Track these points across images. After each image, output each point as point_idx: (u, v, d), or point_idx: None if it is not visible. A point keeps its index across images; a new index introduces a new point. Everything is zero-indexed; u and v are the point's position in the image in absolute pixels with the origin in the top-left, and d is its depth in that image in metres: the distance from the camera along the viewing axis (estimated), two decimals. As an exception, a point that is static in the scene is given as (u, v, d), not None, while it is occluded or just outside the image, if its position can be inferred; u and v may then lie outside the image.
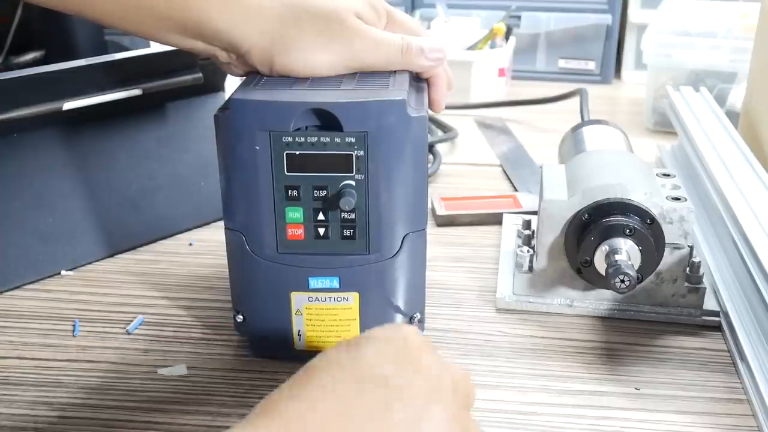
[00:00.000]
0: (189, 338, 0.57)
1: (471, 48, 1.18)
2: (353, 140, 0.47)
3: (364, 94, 0.47)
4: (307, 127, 0.47)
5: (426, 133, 0.49)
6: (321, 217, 0.49)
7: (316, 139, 0.47)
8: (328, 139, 0.47)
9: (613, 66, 1.27)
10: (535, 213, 0.62)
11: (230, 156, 0.49)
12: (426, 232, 0.52)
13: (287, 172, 0.48)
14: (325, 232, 0.49)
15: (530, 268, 0.60)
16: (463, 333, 0.58)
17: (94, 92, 0.66)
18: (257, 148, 0.47)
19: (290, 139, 0.47)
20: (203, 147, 0.75)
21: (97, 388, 0.52)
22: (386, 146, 0.47)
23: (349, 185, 0.48)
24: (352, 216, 0.49)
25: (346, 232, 0.49)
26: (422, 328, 0.56)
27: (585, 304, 0.60)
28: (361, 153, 0.47)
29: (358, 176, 0.48)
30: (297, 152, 0.47)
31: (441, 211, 0.76)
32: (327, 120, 0.47)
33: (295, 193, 0.48)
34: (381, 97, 0.47)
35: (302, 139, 0.47)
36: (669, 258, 0.57)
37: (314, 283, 0.51)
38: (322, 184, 0.48)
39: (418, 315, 0.54)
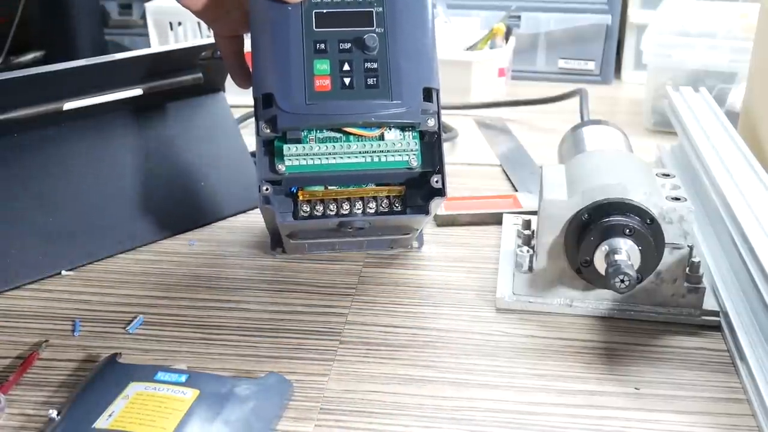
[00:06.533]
0: (189, 338, 0.57)
1: (471, 48, 1.18)
2: None
3: None
4: None
5: (432, 5, 0.57)
6: (346, 68, 0.55)
7: None
8: None
9: (613, 66, 1.26)
10: (535, 213, 0.62)
11: (265, 20, 0.55)
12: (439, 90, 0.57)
13: (315, 28, 0.55)
14: (350, 82, 0.55)
15: (530, 268, 0.60)
16: (463, 333, 0.58)
17: (94, 92, 0.66)
18: (290, 8, 0.55)
19: None
20: (203, 147, 0.74)
21: (97, 388, 0.52)
22: (402, 3, 0.56)
23: (372, 37, 0.55)
24: (375, 65, 0.55)
25: (370, 81, 0.55)
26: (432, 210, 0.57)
27: (585, 304, 0.60)
28: (380, 9, 0.56)
29: (378, 29, 0.55)
30: (324, 10, 0.55)
31: (441, 211, 0.76)
32: None
33: (322, 46, 0.55)
34: None
35: None
36: (669, 258, 0.57)
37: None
38: (346, 38, 0.55)
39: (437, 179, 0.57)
